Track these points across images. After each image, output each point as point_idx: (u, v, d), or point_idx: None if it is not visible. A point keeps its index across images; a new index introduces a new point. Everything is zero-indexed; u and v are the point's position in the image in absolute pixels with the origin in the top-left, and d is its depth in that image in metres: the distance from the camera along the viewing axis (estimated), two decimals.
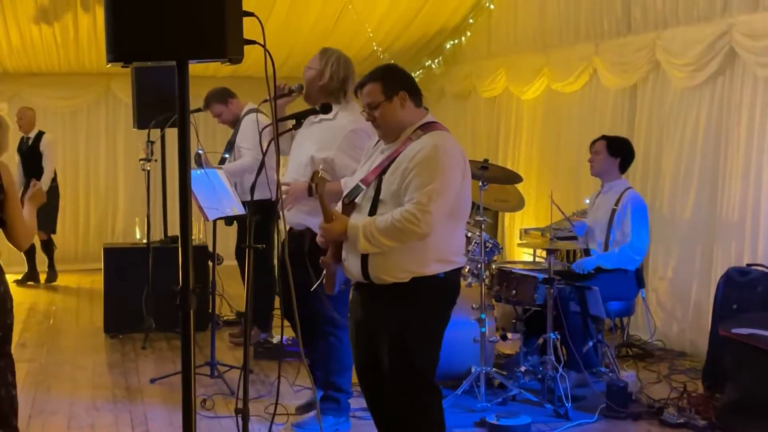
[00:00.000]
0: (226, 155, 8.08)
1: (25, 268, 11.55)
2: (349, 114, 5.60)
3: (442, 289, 4.41)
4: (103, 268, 9.01)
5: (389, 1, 11.14)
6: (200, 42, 3.33)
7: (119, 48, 3.30)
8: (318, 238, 4.53)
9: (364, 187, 4.45)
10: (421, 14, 11.56)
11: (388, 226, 4.18)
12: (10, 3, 10.54)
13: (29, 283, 11.35)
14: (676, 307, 7.94)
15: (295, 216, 5.67)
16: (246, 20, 3.58)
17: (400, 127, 4.44)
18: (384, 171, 4.37)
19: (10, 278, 11.06)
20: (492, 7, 11.39)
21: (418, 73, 13.05)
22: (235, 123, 8.02)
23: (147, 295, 8.22)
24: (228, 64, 3.37)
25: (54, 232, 11.24)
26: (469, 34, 12.04)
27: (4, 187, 4.75)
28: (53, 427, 6.13)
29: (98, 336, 8.70)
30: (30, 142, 10.83)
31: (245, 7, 3.24)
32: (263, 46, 3.61)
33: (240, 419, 4.29)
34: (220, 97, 8.19)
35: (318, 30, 11.61)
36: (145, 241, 8.55)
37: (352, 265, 4.43)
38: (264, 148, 4.26)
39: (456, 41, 12.26)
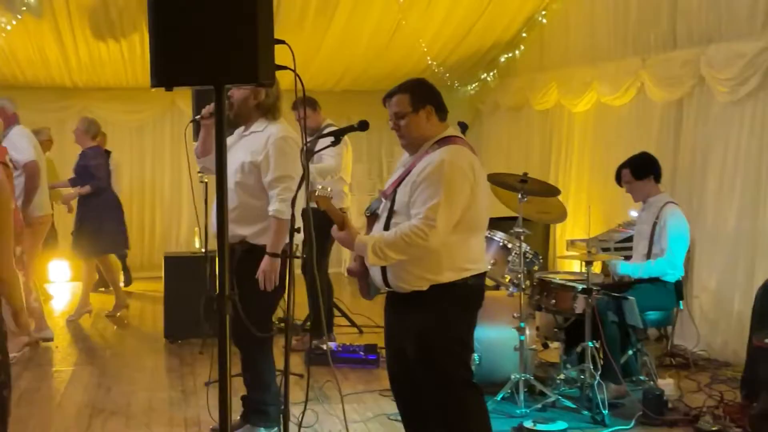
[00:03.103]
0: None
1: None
2: (279, 126, 5.73)
3: (460, 295, 4.46)
4: (163, 276, 9.19)
5: (443, 16, 11.23)
6: (235, 68, 3.42)
7: (162, 74, 3.43)
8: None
9: (384, 199, 4.60)
10: (476, 28, 11.65)
11: (396, 240, 4.27)
12: (79, 20, 10.81)
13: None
14: (720, 318, 7.93)
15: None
16: (298, 40, 3.69)
17: (422, 139, 4.54)
18: (398, 184, 4.50)
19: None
20: (544, 21, 11.47)
21: (473, 86, 13.14)
22: (315, 131, 8.12)
23: (204, 301, 8.33)
24: (260, 87, 3.52)
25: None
26: (522, 47, 12.11)
27: None
28: (112, 426, 6.29)
29: (159, 341, 8.90)
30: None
31: (303, 25, 3.43)
32: (294, 71, 3.70)
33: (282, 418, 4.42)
34: (312, 103, 8.41)
35: (374, 45, 11.77)
36: (203, 249, 8.71)
37: (374, 274, 4.56)
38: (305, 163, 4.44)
39: (510, 55, 12.33)
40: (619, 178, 7.32)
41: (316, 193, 4.38)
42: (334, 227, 4.53)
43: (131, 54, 11.54)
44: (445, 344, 4.48)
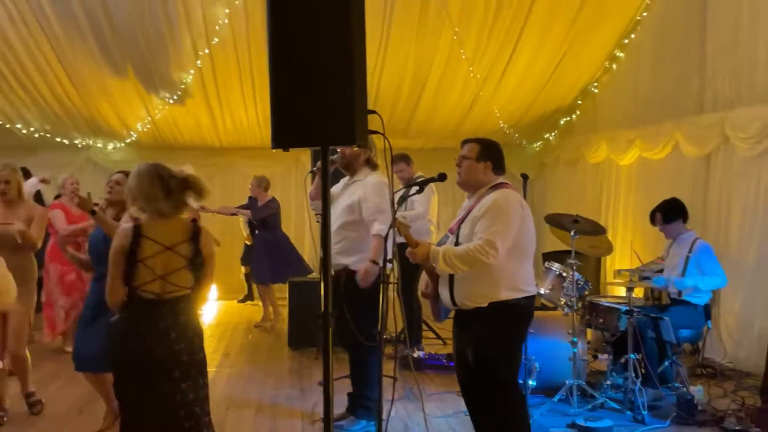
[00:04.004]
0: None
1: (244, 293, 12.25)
2: (377, 174, 5.84)
3: (514, 312, 4.45)
4: (288, 297, 9.30)
5: (513, 88, 11.24)
6: (337, 133, 3.46)
7: (280, 138, 3.51)
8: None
9: (450, 234, 4.63)
10: (540, 97, 11.61)
11: (463, 253, 4.32)
12: (225, 95, 11.13)
13: (248, 302, 11.84)
14: (743, 335, 7.67)
15: (333, 258, 5.59)
16: (395, 109, 3.68)
17: (474, 182, 4.59)
18: (461, 222, 4.54)
19: (232, 302, 11.38)
20: (596, 91, 11.36)
21: (538, 143, 13.06)
22: (408, 181, 8.17)
23: (320, 317, 8.38)
24: (357, 148, 3.54)
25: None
26: (578, 112, 12.01)
27: (203, 252, 4.29)
28: (245, 417, 6.38)
29: (283, 349, 8.97)
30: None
31: (400, 97, 3.38)
32: (383, 135, 3.72)
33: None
34: (407, 158, 8.53)
35: (457, 112, 11.81)
36: (317, 275, 8.77)
37: (444, 296, 4.57)
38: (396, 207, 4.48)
39: (568, 118, 12.21)
40: (653, 220, 7.25)
41: (398, 221, 4.40)
42: (409, 249, 4.54)
43: (265, 121, 11.69)
44: (498, 353, 4.46)
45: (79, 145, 12.42)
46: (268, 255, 10.16)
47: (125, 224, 4.18)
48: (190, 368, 4.23)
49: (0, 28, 9.53)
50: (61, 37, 9.76)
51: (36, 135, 11.83)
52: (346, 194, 5.90)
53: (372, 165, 5.93)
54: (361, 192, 5.77)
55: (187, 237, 4.21)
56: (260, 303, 10.88)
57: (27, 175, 10.10)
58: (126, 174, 5.01)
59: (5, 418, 6.19)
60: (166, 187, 4.15)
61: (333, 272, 5.81)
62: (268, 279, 10.26)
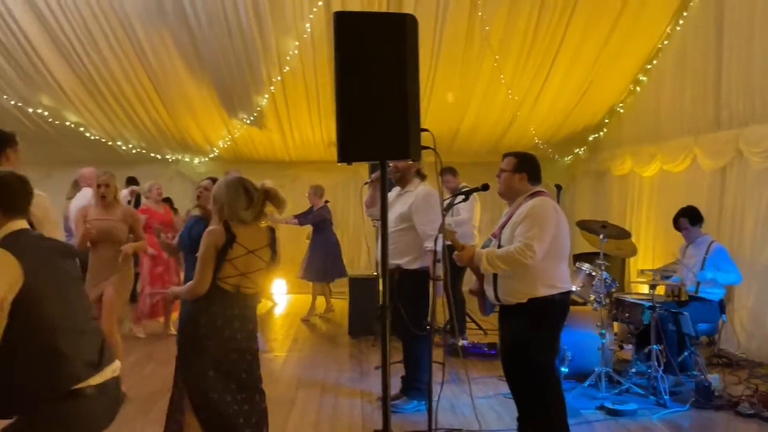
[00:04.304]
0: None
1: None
2: (426, 186, 5.86)
3: (551, 307, 4.42)
4: (348, 291, 9.32)
5: (547, 109, 11.17)
6: (395, 148, 3.52)
7: (344, 153, 3.54)
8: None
9: (493, 238, 4.62)
10: (571, 117, 11.54)
11: (504, 255, 4.32)
12: (294, 116, 11.25)
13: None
14: (756, 328, 7.51)
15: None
16: (442, 127, 3.72)
17: (513, 193, 4.58)
18: (502, 227, 4.53)
19: (300, 295, 11.26)
20: (621, 111, 11.23)
21: (569, 157, 12.93)
22: (454, 190, 8.12)
23: (377, 309, 8.38)
24: (411, 161, 3.56)
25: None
26: (605, 130, 11.88)
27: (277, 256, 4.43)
28: (312, 396, 6.42)
29: (344, 336, 9.00)
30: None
31: (445, 116, 3.37)
32: (434, 150, 3.73)
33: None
34: (453, 171, 8.56)
35: (497, 130, 11.78)
36: (374, 273, 8.81)
37: (489, 293, 4.57)
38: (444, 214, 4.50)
39: (596, 135, 12.08)
40: (677, 224, 7.15)
41: (445, 227, 4.41)
42: (455, 252, 4.56)
43: (328, 138, 11.85)
44: (537, 342, 4.45)
45: (170, 160, 12.67)
46: (317, 255, 10.12)
47: (216, 226, 4.22)
48: (246, 354, 4.27)
49: (103, 58, 9.80)
50: (155, 65, 9.99)
51: (133, 151, 12.11)
52: (399, 203, 5.92)
53: (421, 176, 5.96)
54: (413, 201, 5.79)
55: (267, 243, 4.28)
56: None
57: (134, 182, 10.42)
58: (213, 180, 5.07)
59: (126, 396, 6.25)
60: (249, 199, 4.20)
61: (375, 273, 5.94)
62: (317, 277, 10.18)
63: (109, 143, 11.82)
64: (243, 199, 4.17)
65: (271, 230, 4.39)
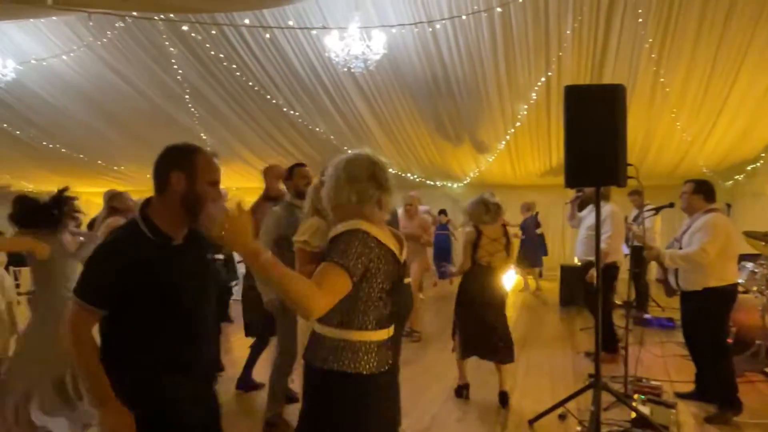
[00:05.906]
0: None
1: None
2: (611, 204, 5.59)
3: (720, 295, 4.15)
4: (559, 274, 9.12)
5: (714, 145, 10.04)
6: (608, 176, 3.54)
7: (570, 180, 3.64)
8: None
9: (675, 242, 4.38)
10: (733, 152, 10.26)
11: (684, 255, 4.11)
12: (522, 153, 11.15)
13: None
14: None
15: (584, 254, 5.76)
16: (631, 159, 3.68)
17: (692, 208, 4.31)
18: (683, 234, 4.29)
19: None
20: None
21: (729, 182, 11.45)
22: (640, 207, 7.38)
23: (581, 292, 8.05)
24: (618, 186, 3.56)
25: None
26: (761, 162, 10.43)
27: (511, 244, 4.56)
28: (537, 346, 6.37)
29: (555, 305, 8.81)
30: None
31: (634, 151, 3.24)
32: (637, 179, 3.71)
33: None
34: (639, 192, 7.73)
35: (671, 162, 10.76)
36: (578, 262, 8.47)
37: (671, 281, 4.35)
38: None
39: (753, 165, 10.64)
40: None
41: (637, 234, 4.29)
42: (645, 251, 4.38)
43: (543, 169, 11.49)
44: (710, 322, 4.18)
45: (438, 185, 13.17)
46: (526, 249, 10.28)
47: (468, 228, 4.56)
48: (503, 307, 4.54)
49: (398, 118, 10.47)
50: (431, 124, 10.48)
51: (416, 179, 12.81)
52: (588, 218, 5.85)
53: (606, 198, 5.72)
54: (601, 217, 5.63)
55: (502, 234, 4.54)
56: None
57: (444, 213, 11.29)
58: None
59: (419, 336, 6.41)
60: (491, 211, 4.50)
61: (579, 263, 5.87)
62: (530, 264, 10.42)
63: (401, 174, 12.58)
64: (484, 211, 4.49)
65: (504, 227, 4.59)
